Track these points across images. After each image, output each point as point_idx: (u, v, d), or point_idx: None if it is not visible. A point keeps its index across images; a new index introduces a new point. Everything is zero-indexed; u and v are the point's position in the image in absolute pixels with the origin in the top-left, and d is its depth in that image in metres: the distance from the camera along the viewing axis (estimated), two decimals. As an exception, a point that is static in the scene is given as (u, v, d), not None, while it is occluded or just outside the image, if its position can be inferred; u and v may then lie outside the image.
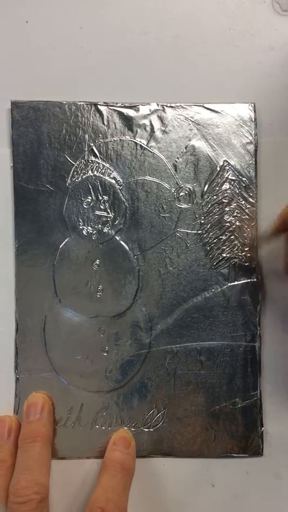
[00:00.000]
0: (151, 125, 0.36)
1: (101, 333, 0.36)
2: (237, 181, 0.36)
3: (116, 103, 0.36)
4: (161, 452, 0.36)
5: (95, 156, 0.36)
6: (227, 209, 0.37)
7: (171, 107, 0.37)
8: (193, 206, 0.37)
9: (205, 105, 0.37)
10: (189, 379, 0.36)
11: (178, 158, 0.37)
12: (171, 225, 0.36)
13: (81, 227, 0.36)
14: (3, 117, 0.37)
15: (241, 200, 0.36)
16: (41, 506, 0.32)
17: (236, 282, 0.36)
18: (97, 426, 0.36)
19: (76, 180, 0.36)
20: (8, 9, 0.37)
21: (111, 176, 0.36)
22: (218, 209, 0.37)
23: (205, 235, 0.37)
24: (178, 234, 0.37)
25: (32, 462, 0.33)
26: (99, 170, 0.36)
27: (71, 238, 0.36)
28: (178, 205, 0.37)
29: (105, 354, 0.36)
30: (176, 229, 0.36)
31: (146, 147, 0.36)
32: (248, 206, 0.36)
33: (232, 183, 0.36)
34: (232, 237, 0.36)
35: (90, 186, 0.36)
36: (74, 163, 0.36)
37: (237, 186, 0.36)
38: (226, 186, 0.36)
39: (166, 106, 0.37)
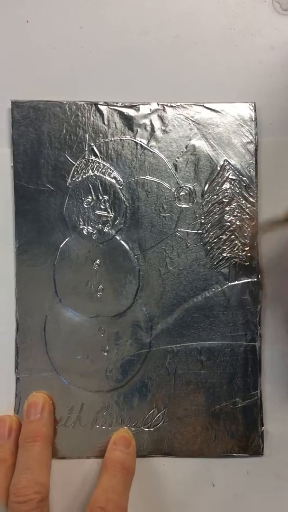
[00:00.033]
0: (152, 124, 0.36)
1: (102, 333, 0.36)
2: (237, 181, 0.36)
3: (117, 103, 0.36)
4: (161, 451, 0.36)
5: (96, 155, 0.36)
6: (227, 208, 0.36)
7: (172, 106, 0.37)
8: (194, 206, 0.37)
9: (206, 105, 0.37)
10: (189, 378, 0.36)
11: (178, 157, 0.37)
12: (172, 224, 0.36)
13: (81, 227, 0.36)
14: (3, 116, 0.37)
15: (241, 199, 0.36)
16: (41, 506, 0.32)
17: (236, 282, 0.36)
18: (97, 426, 0.36)
19: (77, 180, 0.36)
20: (8, 8, 0.37)
21: (112, 175, 0.36)
22: (218, 208, 0.37)
23: (205, 235, 0.37)
24: (179, 234, 0.36)
25: (33, 462, 0.33)
26: (100, 169, 0.36)
27: (71, 237, 0.36)
28: (179, 205, 0.37)
29: (106, 353, 0.36)
30: (177, 229, 0.36)
31: (146, 146, 0.36)
32: (248, 205, 0.36)
33: (232, 182, 0.36)
34: (233, 236, 0.36)
35: (90, 186, 0.36)
36: (74, 163, 0.36)
37: (238, 186, 0.36)
38: (226, 185, 0.36)
39: (167, 105, 0.37)
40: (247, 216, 0.36)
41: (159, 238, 0.36)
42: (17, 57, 0.37)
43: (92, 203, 0.36)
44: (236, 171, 0.36)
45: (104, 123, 0.36)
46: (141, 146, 0.36)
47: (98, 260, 0.36)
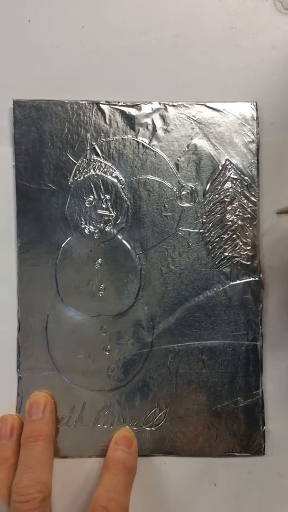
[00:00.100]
0: (153, 124, 0.36)
1: (103, 332, 0.36)
2: (239, 180, 0.36)
3: (118, 102, 0.36)
4: (163, 451, 0.36)
5: (97, 155, 0.36)
6: (229, 208, 0.36)
7: (173, 106, 0.37)
8: (195, 205, 0.37)
9: (207, 104, 0.37)
10: (191, 378, 0.36)
11: (180, 157, 0.36)
12: (173, 224, 0.36)
13: (83, 226, 0.36)
14: (5, 116, 0.37)
15: (243, 199, 0.36)
16: (43, 505, 0.32)
17: (238, 281, 0.36)
18: (99, 425, 0.36)
19: (78, 179, 0.36)
20: (10, 8, 0.37)
21: (113, 175, 0.36)
22: (220, 208, 0.37)
23: (207, 234, 0.37)
24: (180, 233, 0.36)
25: (35, 461, 0.33)
26: (101, 169, 0.36)
27: (73, 237, 0.36)
28: (180, 204, 0.37)
29: (107, 353, 0.36)
30: (178, 228, 0.36)
31: (148, 146, 0.36)
32: (250, 205, 0.36)
33: (234, 182, 0.36)
34: (234, 236, 0.36)
35: (92, 185, 0.36)
36: (76, 162, 0.36)
37: (239, 185, 0.36)
38: (228, 185, 0.36)
39: (168, 105, 0.37)
40: (249, 216, 0.36)
41: (161, 238, 0.36)
42: (18, 56, 0.37)
43: (93, 203, 0.36)
44: (237, 171, 0.36)
45: (105, 122, 0.36)
46: (143, 145, 0.36)
47: (99, 259, 0.36)
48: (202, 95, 0.37)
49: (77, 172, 0.36)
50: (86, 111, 0.36)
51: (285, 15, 0.37)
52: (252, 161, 0.36)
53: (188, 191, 0.36)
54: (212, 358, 0.36)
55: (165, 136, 0.37)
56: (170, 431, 0.36)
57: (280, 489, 0.37)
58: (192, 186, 0.36)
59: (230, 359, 0.36)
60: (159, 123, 0.37)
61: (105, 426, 0.36)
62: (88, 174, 0.36)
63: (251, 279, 0.36)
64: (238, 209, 0.36)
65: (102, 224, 0.36)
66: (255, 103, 0.37)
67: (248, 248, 0.36)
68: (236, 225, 0.36)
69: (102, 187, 0.36)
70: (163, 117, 0.37)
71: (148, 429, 0.36)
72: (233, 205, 0.36)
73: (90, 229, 0.36)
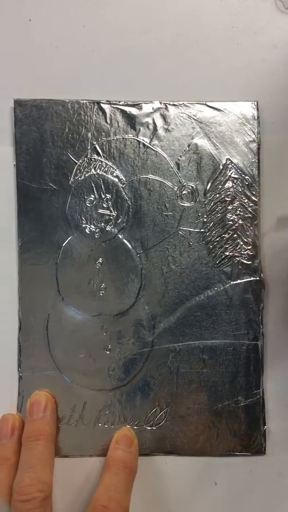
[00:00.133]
0: (154, 123, 0.36)
1: (104, 332, 0.36)
2: (240, 180, 0.36)
3: (119, 101, 0.36)
4: (163, 450, 0.36)
5: (98, 154, 0.36)
6: (230, 207, 0.36)
7: (174, 105, 0.37)
8: (196, 205, 0.37)
9: (208, 103, 0.37)
10: (191, 377, 0.36)
11: (180, 156, 0.36)
12: (174, 223, 0.36)
13: (84, 226, 0.36)
14: (6, 115, 0.37)
15: (244, 198, 0.36)
16: (44, 504, 0.32)
17: (239, 281, 0.36)
18: (99, 424, 0.36)
19: (79, 179, 0.36)
20: (11, 7, 0.37)
21: (114, 174, 0.36)
22: (221, 207, 0.37)
23: (207, 234, 0.37)
24: (181, 233, 0.36)
25: (36, 460, 0.33)
26: (102, 168, 0.36)
27: (74, 236, 0.36)
28: (181, 204, 0.37)
29: (108, 352, 0.36)
30: (179, 228, 0.36)
31: (149, 145, 0.36)
32: (251, 204, 0.36)
33: (235, 181, 0.36)
34: (235, 235, 0.36)
35: (93, 185, 0.36)
36: (77, 162, 0.36)
37: (240, 185, 0.36)
38: (229, 184, 0.36)
39: (169, 104, 0.37)
40: (250, 215, 0.36)
41: (162, 237, 0.36)
42: (19, 55, 0.37)
43: (94, 202, 0.36)
44: (238, 170, 0.36)
45: (106, 121, 0.36)
46: (144, 144, 0.36)
47: (100, 258, 0.36)
48: (203, 95, 0.37)
49: (78, 171, 0.36)
50: (87, 111, 0.36)
51: (286, 14, 0.37)
52: (253, 160, 0.36)
53: (189, 190, 0.36)
54: (213, 358, 0.36)
55: (166, 136, 0.37)
56: (170, 431, 0.36)
57: (281, 489, 0.37)
58: (193, 185, 0.36)
59: (231, 359, 0.36)
60: (160, 122, 0.36)
61: (106, 426, 0.36)
62: (89, 173, 0.36)
63: (252, 278, 0.36)
64: (239, 209, 0.36)
65: (103, 224, 0.36)
66: (256, 103, 0.37)
67: (249, 247, 0.36)
68: (237, 225, 0.36)
69: (103, 186, 0.36)
70: (164, 117, 0.37)
71: (149, 428, 0.36)
72: (234, 205, 0.36)
73: (91, 228, 0.36)
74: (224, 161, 0.36)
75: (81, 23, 0.37)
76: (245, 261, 0.36)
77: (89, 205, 0.36)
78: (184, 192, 0.36)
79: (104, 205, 0.36)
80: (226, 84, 0.37)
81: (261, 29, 0.37)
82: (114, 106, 0.36)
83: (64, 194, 0.36)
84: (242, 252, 0.36)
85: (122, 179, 0.36)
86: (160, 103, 0.37)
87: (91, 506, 0.32)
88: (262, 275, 0.37)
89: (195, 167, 0.36)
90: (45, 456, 0.34)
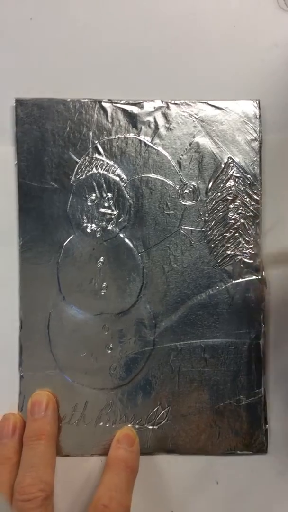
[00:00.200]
0: (155, 122, 0.36)
1: (105, 331, 0.36)
2: (241, 178, 0.36)
3: (120, 100, 0.36)
4: (165, 449, 0.36)
5: (99, 153, 0.36)
6: (231, 206, 0.36)
7: (175, 104, 0.37)
8: (197, 203, 0.36)
9: (209, 102, 0.37)
10: (193, 376, 0.36)
11: (182, 155, 0.36)
12: (175, 222, 0.36)
13: (85, 225, 0.36)
14: (7, 114, 0.36)
15: (245, 197, 0.36)
16: (45, 504, 0.32)
17: (240, 280, 0.36)
18: (101, 424, 0.36)
19: (80, 178, 0.36)
20: (12, 6, 0.37)
21: (115, 173, 0.36)
22: (222, 206, 0.36)
23: (209, 233, 0.37)
24: (182, 232, 0.36)
25: (37, 460, 0.33)
26: (103, 167, 0.36)
27: (75, 235, 0.36)
28: (182, 202, 0.36)
29: (109, 351, 0.36)
30: (180, 227, 0.36)
31: (150, 144, 0.36)
32: (252, 203, 0.36)
33: (236, 180, 0.36)
34: (237, 234, 0.36)
35: (94, 184, 0.36)
36: (78, 161, 0.36)
37: (242, 183, 0.36)
38: (230, 183, 0.36)
39: (170, 103, 0.37)
40: (251, 214, 0.36)
41: (163, 236, 0.36)
42: (20, 54, 0.37)
43: (96, 201, 0.36)
44: (240, 169, 0.36)
45: (108, 120, 0.36)
46: (145, 143, 0.36)
47: (102, 257, 0.36)
48: (204, 93, 0.37)
49: (79, 170, 0.36)
50: (88, 110, 0.36)
51: (287, 13, 0.37)
52: (255, 159, 0.36)
53: (191, 189, 0.36)
54: (214, 357, 0.36)
55: (167, 134, 0.36)
56: (172, 430, 0.36)
57: (283, 488, 0.37)
58: (195, 184, 0.36)
59: (232, 358, 0.36)
60: (161, 121, 0.36)
61: (107, 425, 0.36)
62: (90, 172, 0.36)
63: (254, 277, 0.36)
64: (241, 207, 0.36)
65: (104, 223, 0.36)
66: (257, 101, 0.37)
67: (251, 246, 0.36)
68: (238, 223, 0.36)
69: (104, 185, 0.36)
70: (165, 115, 0.36)
71: (150, 427, 0.36)
72: (236, 203, 0.36)
73: (92, 227, 0.36)
74: (225, 160, 0.36)
75: (82, 21, 0.37)
76: (246, 260, 0.36)
77: (90, 204, 0.36)
78: (185, 191, 0.36)
79: (106, 204, 0.36)
80: (228, 82, 0.37)
81: (262, 28, 0.37)
82: (116, 105, 0.36)
83: (66, 193, 0.36)
84: (244, 251, 0.36)
85: (123, 178, 0.36)
86: (162, 101, 0.37)
87: (92, 505, 0.32)
88: (263, 274, 0.37)
89: (196, 166, 0.36)
90: (47, 456, 0.34)
